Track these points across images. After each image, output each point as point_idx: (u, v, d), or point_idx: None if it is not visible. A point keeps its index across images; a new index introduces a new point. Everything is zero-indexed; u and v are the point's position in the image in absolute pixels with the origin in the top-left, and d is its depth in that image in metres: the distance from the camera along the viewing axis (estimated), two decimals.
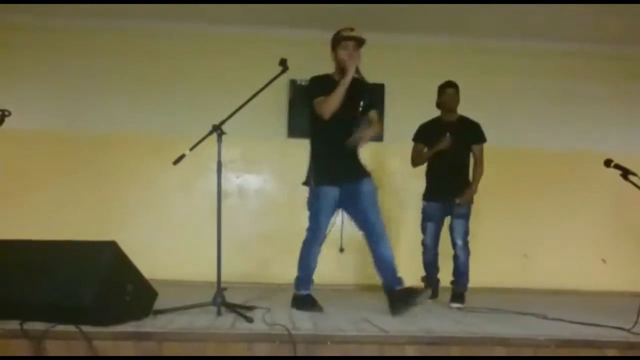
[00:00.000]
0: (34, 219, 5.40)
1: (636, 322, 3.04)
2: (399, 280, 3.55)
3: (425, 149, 4.51)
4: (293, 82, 5.74)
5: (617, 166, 3.45)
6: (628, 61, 6.10)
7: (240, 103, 3.37)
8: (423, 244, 4.53)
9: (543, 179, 5.85)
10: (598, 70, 6.09)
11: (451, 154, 4.35)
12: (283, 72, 3.45)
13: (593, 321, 3.28)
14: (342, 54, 3.57)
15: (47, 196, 5.61)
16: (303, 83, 5.75)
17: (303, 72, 5.40)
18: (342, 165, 3.62)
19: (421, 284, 4.47)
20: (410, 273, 5.49)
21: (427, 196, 4.53)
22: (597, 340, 2.79)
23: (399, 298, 3.44)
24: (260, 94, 3.42)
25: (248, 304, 3.45)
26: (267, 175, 5.98)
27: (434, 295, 4.47)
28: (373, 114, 3.77)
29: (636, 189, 3.34)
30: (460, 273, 4.31)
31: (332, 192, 3.60)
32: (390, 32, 5.84)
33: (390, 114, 5.74)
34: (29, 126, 5.40)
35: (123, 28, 5.78)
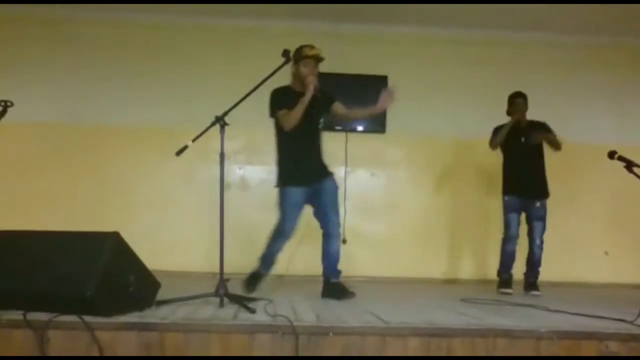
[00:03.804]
0: (36, 211, 5.42)
1: (639, 315, 3.03)
2: (337, 274, 3.94)
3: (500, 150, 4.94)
4: None
5: (621, 158, 3.43)
6: (627, 52, 6.08)
7: (244, 94, 3.36)
8: (508, 234, 4.81)
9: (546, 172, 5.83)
10: (598, 62, 6.05)
11: (527, 153, 4.78)
12: (286, 63, 3.45)
13: (595, 313, 3.27)
14: (304, 70, 3.87)
15: (50, 187, 5.63)
16: None
17: None
18: (307, 167, 3.95)
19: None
20: (407, 259, 5.56)
21: (508, 191, 4.86)
22: (599, 332, 2.78)
23: (332, 289, 3.86)
24: (263, 85, 3.42)
25: (250, 295, 3.46)
26: (270, 166, 5.95)
27: (510, 286, 4.76)
28: (337, 105, 4.05)
29: (639, 181, 3.32)
30: (536, 265, 4.79)
31: (297, 193, 3.93)
32: (393, 24, 5.82)
33: (392, 106, 5.73)
34: (31, 118, 5.40)
35: (124, 20, 5.78)
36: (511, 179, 4.86)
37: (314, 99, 3.86)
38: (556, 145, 4.72)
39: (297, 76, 3.93)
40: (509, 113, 4.89)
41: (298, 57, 3.88)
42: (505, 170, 4.93)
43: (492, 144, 4.88)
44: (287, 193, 3.98)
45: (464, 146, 5.92)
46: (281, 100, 3.90)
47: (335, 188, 4.02)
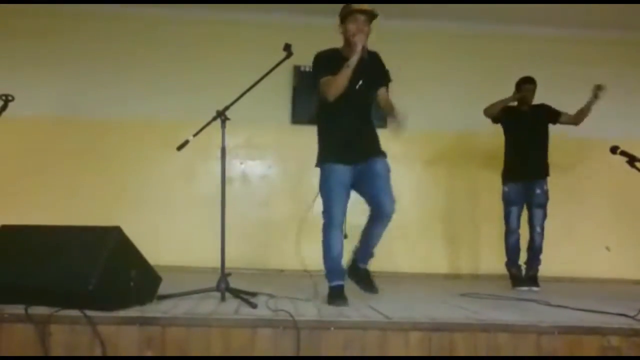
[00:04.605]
0: (37, 205, 5.42)
1: None
2: (368, 259, 3.54)
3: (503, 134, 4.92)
4: (297, 68, 5.72)
5: (624, 153, 3.42)
6: (631, 46, 6.06)
7: (244, 89, 3.35)
8: (508, 228, 4.79)
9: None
10: (602, 57, 6.04)
11: (530, 136, 4.75)
12: (287, 57, 3.41)
13: (597, 308, 3.27)
14: (352, 27, 3.30)
15: (52, 182, 5.63)
16: (307, 69, 5.72)
17: (307, 58, 5.40)
18: (353, 144, 3.35)
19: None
20: (408, 254, 5.54)
21: (508, 180, 4.82)
22: (600, 327, 2.79)
23: (359, 274, 3.51)
24: (264, 80, 3.40)
25: (252, 290, 3.46)
26: (271, 161, 5.98)
27: (524, 283, 4.68)
28: (385, 89, 3.52)
29: None
30: (536, 256, 4.72)
31: (342, 171, 3.34)
32: (393, 18, 5.79)
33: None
34: (32, 112, 5.40)
35: (126, 14, 5.77)
36: (511, 164, 4.82)
37: (363, 63, 3.29)
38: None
39: (345, 37, 3.36)
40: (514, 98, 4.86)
41: (344, 14, 3.36)
42: (506, 155, 4.89)
43: (487, 111, 4.81)
44: (329, 170, 3.35)
45: (465, 140, 5.91)
46: (325, 65, 3.35)
47: (387, 170, 3.39)
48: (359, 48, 3.20)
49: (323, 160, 3.41)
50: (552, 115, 4.85)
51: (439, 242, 5.91)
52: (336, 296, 3.28)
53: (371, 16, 3.32)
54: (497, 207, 4.92)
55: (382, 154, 3.44)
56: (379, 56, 3.52)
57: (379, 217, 3.37)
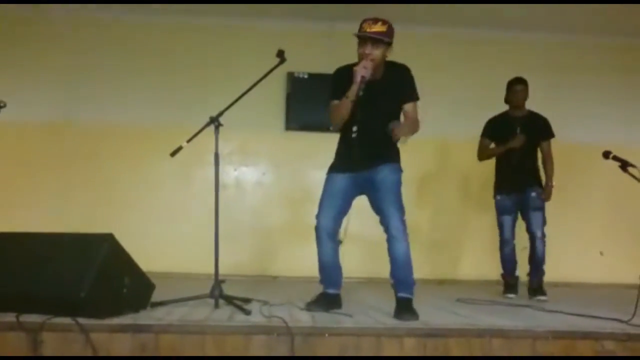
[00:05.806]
0: (30, 212, 5.38)
1: (634, 314, 3.04)
2: (405, 286, 3.16)
3: (492, 144, 4.70)
4: (291, 74, 5.72)
5: (616, 158, 3.44)
6: (624, 53, 6.10)
7: (238, 95, 3.35)
8: (502, 238, 4.65)
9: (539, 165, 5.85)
10: (594, 63, 6.07)
11: (522, 146, 4.51)
12: (281, 63, 3.41)
13: (591, 313, 3.28)
14: (359, 53, 3.15)
15: (44, 188, 5.60)
16: (301, 75, 5.73)
17: (301, 64, 5.43)
18: (356, 152, 3.18)
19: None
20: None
21: (500, 190, 4.67)
22: (594, 331, 2.79)
23: (397, 305, 3.11)
24: (258, 86, 3.39)
25: (246, 297, 3.45)
26: (265, 167, 5.97)
27: (514, 291, 4.57)
28: (409, 106, 3.29)
29: (634, 181, 3.33)
30: (539, 264, 4.49)
31: (340, 180, 3.28)
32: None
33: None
34: (25, 118, 5.39)
35: (120, 20, 5.76)
36: (503, 173, 4.65)
37: (379, 82, 3.16)
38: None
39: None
40: (507, 101, 4.67)
41: (357, 35, 3.14)
42: (497, 163, 4.71)
43: (480, 157, 4.73)
44: (327, 180, 3.33)
45: (459, 145, 5.90)
46: (337, 85, 3.22)
47: (394, 177, 3.23)
48: (357, 79, 3.06)
49: (328, 170, 3.40)
50: (544, 135, 4.66)
51: (431, 247, 5.89)
52: (315, 301, 3.29)
53: (376, 41, 3.11)
54: (487, 213, 4.91)
55: (391, 160, 3.28)
56: (404, 71, 3.30)
57: (388, 235, 3.19)
